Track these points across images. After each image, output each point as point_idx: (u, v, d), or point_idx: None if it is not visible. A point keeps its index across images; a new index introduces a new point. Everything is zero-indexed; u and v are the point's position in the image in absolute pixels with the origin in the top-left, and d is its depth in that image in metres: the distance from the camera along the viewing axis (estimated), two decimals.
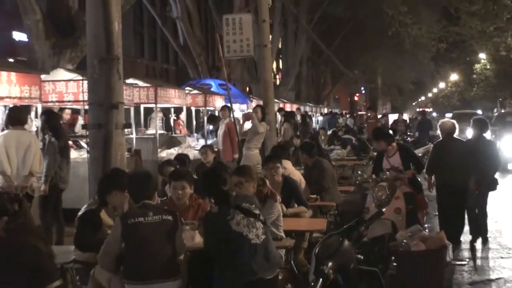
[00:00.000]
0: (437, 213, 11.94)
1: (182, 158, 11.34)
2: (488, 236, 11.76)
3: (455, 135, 11.82)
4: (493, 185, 11.58)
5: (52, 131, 10.77)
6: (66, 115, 15.93)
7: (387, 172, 10.65)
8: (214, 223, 6.30)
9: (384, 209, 9.58)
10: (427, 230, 10.65)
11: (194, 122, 22.50)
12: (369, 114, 36.62)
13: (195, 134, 21.42)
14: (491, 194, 11.75)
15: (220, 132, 16.86)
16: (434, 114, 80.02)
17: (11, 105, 11.41)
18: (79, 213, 7.14)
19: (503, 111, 55.52)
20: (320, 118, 41.08)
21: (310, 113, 37.74)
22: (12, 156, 9.99)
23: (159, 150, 16.23)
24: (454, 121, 12.13)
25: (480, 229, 11.64)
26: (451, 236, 10.33)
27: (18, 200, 5.74)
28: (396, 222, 9.44)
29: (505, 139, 24.02)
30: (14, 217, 5.39)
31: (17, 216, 5.43)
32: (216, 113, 22.49)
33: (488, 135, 24.64)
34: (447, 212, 11.43)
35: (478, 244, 11.43)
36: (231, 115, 16.63)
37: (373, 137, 11.56)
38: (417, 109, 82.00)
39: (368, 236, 8.63)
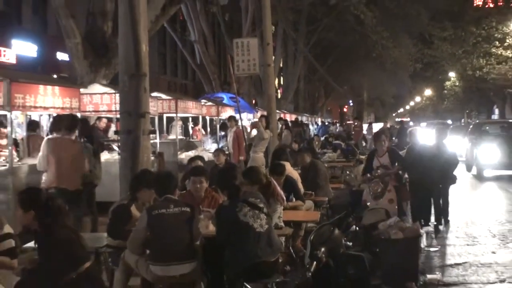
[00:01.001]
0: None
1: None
2: (457, 227, 12.03)
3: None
4: (453, 180, 12.10)
5: (87, 137, 10.76)
6: (103, 123, 15.88)
7: (378, 171, 10.78)
8: (225, 214, 6.36)
9: (379, 200, 10.24)
10: (410, 220, 10.73)
11: (209, 129, 22.49)
12: (356, 123, 36.59)
13: (209, 139, 21.41)
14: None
15: (230, 138, 16.95)
16: (411, 123, 79.85)
17: (54, 114, 11.43)
18: (113, 206, 7.15)
19: (469, 120, 55.44)
20: (314, 126, 41.10)
21: (306, 122, 37.78)
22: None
23: (178, 152, 16.26)
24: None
25: (443, 214, 12.07)
26: (421, 221, 11.05)
27: (50, 196, 5.72)
28: (390, 211, 9.57)
29: (481, 148, 21.50)
30: (47, 211, 5.35)
31: (49, 211, 5.38)
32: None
33: (465, 141, 23.30)
34: (417, 202, 11.66)
35: (446, 233, 11.54)
36: (239, 124, 16.69)
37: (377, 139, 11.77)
38: (396, 119, 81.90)
39: (365, 223, 8.70)
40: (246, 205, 6.33)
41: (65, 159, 9.68)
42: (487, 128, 26.02)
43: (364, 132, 35.48)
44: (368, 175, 11.08)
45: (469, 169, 23.07)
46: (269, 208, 6.90)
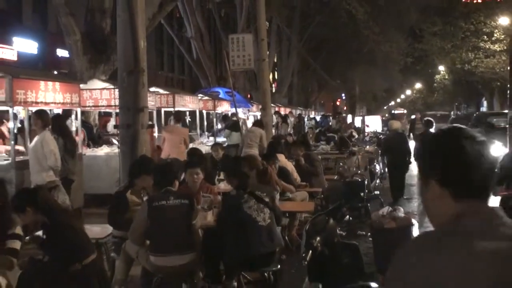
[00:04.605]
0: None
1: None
2: None
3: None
4: None
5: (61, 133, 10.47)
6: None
7: None
8: (230, 203, 6.42)
9: None
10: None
11: (205, 123, 22.42)
12: (339, 117, 36.68)
13: (206, 133, 21.40)
14: None
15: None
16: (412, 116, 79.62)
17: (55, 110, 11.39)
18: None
19: (459, 112, 55.50)
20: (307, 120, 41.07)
21: (303, 115, 37.87)
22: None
23: None
24: (399, 122, 15.34)
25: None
26: (396, 196, 13.63)
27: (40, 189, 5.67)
28: None
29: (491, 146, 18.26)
30: (46, 203, 5.31)
31: (47, 202, 5.34)
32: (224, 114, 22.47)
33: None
34: (394, 181, 14.13)
35: None
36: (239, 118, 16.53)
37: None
38: (393, 111, 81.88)
39: None
40: (252, 198, 6.38)
41: None
42: (493, 120, 22.10)
43: (358, 125, 35.59)
44: None
45: None
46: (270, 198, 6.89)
